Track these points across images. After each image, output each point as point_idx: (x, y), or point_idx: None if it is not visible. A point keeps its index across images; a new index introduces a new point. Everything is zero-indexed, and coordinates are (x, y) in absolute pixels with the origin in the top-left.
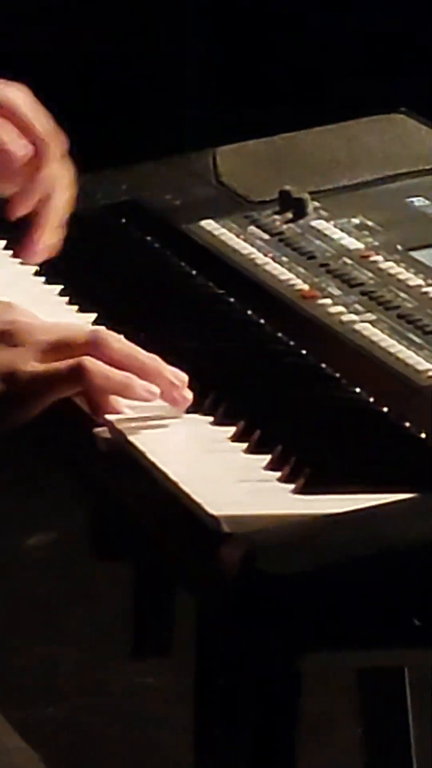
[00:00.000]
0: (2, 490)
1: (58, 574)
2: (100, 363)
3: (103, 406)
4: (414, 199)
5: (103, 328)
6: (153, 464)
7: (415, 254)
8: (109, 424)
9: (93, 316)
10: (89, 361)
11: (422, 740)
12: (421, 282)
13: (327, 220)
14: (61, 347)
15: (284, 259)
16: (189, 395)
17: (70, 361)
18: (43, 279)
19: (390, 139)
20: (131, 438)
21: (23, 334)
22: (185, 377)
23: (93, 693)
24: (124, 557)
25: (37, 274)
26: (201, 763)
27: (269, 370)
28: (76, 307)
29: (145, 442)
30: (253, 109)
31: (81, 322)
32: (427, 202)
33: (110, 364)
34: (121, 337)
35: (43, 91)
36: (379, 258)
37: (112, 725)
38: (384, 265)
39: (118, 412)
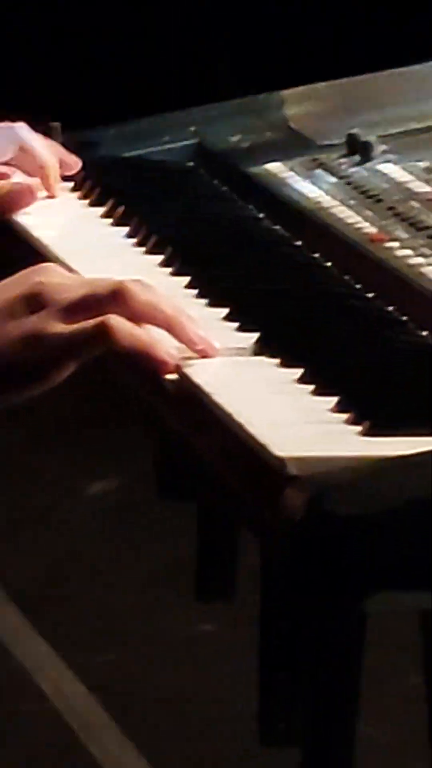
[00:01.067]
0: (60, 441)
1: (117, 522)
2: (124, 321)
3: (137, 363)
4: None
5: (128, 279)
6: (219, 406)
7: None
8: (177, 367)
9: (159, 258)
10: (114, 320)
11: None
12: None
13: (394, 163)
14: (86, 305)
15: (351, 202)
16: (213, 348)
17: (94, 321)
18: (110, 221)
19: None
20: (198, 381)
21: (48, 295)
22: (205, 335)
23: (153, 639)
24: (188, 499)
25: (104, 216)
26: (265, 710)
27: (336, 313)
28: (142, 249)
29: (212, 384)
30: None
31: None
32: None
33: (135, 318)
34: (149, 285)
35: (113, 31)
36: None
37: (172, 672)
38: None
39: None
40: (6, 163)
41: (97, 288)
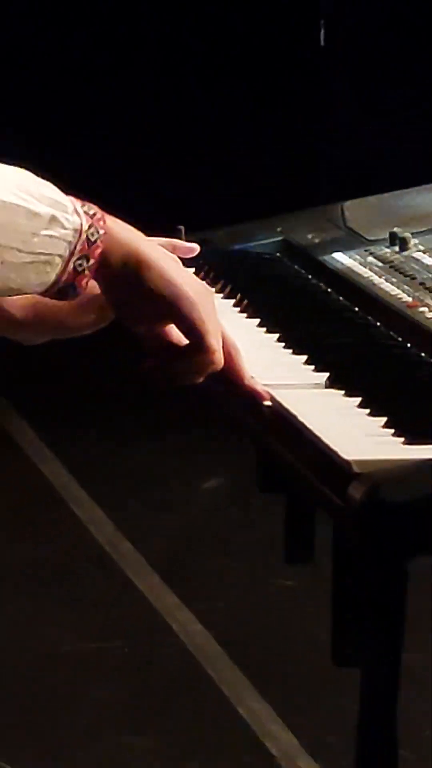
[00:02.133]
0: (179, 447)
1: (227, 509)
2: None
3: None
4: None
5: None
6: (302, 424)
7: None
8: (271, 397)
9: (256, 320)
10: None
11: None
12: None
13: (424, 252)
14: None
15: (393, 280)
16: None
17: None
18: (221, 295)
19: None
20: (286, 405)
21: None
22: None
23: (253, 592)
24: (280, 491)
25: (218, 291)
26: (336, 640)
27: (384, 359)
28: (244, 315)
29: (296, 408)
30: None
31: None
32: None
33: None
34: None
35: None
36: None
37: (268, 615)
38: None
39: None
40: None
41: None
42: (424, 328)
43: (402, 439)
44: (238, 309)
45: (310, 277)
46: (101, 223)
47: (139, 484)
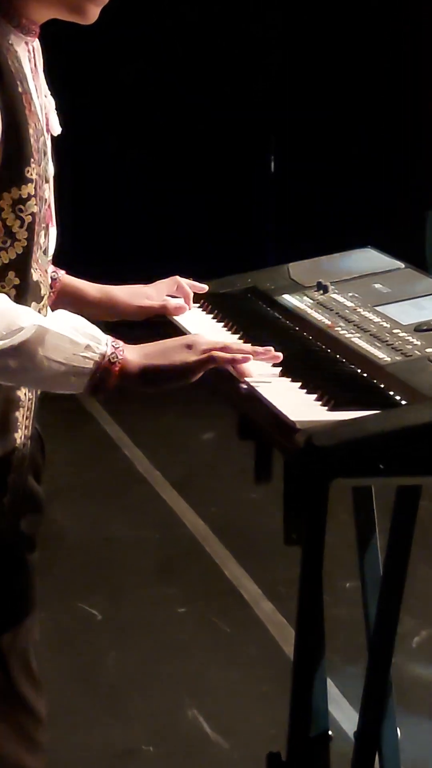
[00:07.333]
0: (187, 411)
1: (220, 450)
2: (221, 353)
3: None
4: (376, 285)
5: (227, 341)
6: (268, 401)
7: (378, 308)
8: (245, 382)
9: (236, 336)
10: (216, 354)
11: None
12: (332, 320)
13: (338, 294)
14: (209, 349)
15: (318, 310)
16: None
17: (206, 354)
18: (211, 317)
19: (364, 258)
20: (258, 388)
21: (195, 344)
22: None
23: (231, 503)
24: (251, 438)
25: (213, 318)
26: (286, 528)
27: (313, 359)
28: (226, 329)
29: (266, 391)
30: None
31: (228, 337)
32: (387, 289)
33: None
34: (232, 345)
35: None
36: (359, 310)
37: (241, 517)
38: (358, 312)
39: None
40: (172, 295)
41: (212, 343)
42: (338, 340)
43: (326, 408)
44: (224, 328)
45: (268, 309)
46: (122, 352)
47: (164, 433)
